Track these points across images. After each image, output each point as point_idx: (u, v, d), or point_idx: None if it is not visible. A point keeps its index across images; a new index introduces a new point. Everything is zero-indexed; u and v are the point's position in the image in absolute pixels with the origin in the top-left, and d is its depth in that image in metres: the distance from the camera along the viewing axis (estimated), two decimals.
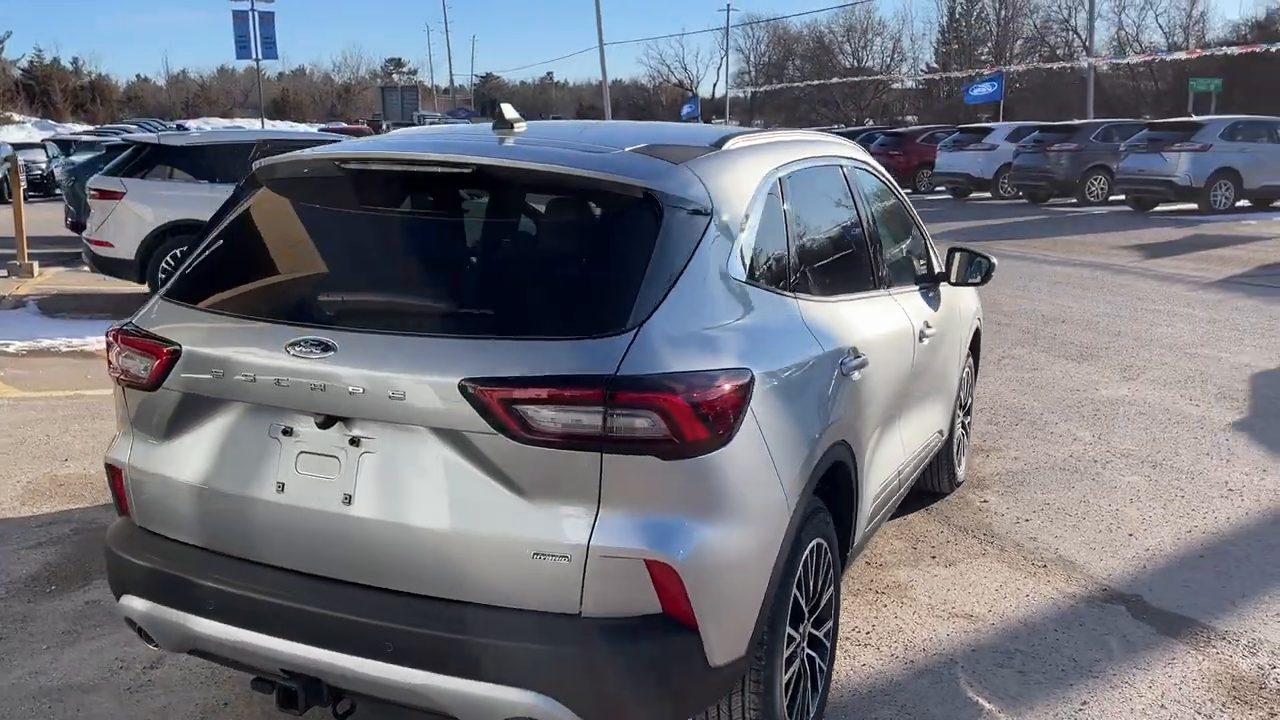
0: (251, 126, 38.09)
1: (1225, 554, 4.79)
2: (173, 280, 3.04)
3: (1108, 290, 12.20)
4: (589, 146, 3.01)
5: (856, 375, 3.34)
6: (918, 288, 4.52)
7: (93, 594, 4.26)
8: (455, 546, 2.51)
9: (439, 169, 2.81)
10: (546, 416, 2.41)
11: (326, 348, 2.58)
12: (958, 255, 4.79)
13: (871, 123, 57.41)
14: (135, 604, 2.89)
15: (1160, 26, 65.52)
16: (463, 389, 2.44)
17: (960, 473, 5.65)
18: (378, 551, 2.58)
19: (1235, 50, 34.24)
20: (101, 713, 3.40)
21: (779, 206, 3.22)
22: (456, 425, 2.47)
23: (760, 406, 2.66)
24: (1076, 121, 26.87)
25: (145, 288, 10.45)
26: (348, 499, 2.60)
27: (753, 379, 2.63)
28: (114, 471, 3.05)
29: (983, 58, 67.35)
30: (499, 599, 2.50)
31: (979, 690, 3.61)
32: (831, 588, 3.27)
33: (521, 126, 3.20)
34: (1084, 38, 58.77)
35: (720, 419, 2.51)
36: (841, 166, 3.98)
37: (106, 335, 3.05)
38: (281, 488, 2.67)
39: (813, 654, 3.17)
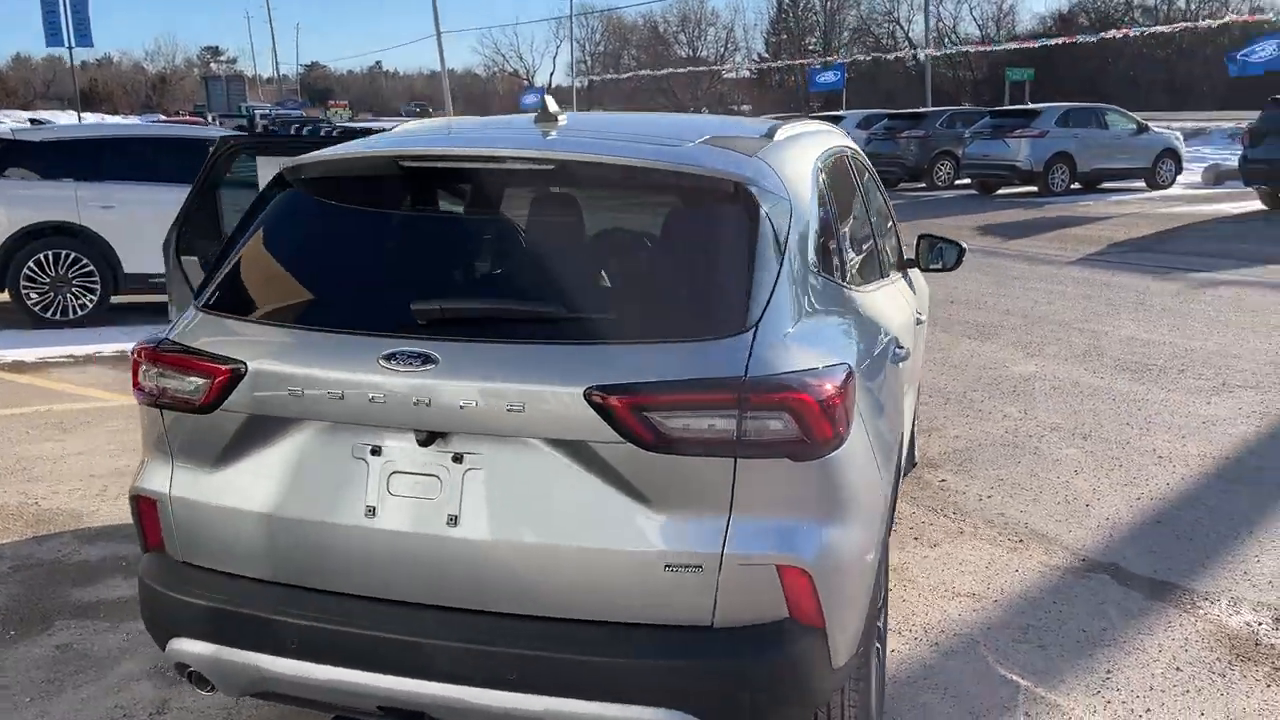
0: (92, 120, 35.76)
1: (1177, 519, 5.07)
2: (209, 291, 2.78)
3: (983, 270, 12.73)
4: (658, 139, 2.90)
5: (903, 365, 3.36)
6: (901, 274, 4.60)
7: (60, 637, 3.89)
8: (578, 564, 2.39)
9: (517, 165, 2.66)
10: (678, 423, 2.32)
11: (428, 359, 2.41)
12: (924, 241, 4.91)
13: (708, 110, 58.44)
14: (192, 648, 2.64)
15: (975, 19, 69.14)
16: (588, 397, 2.32)
17: (915, 454, 5.79)
18: (490, 574, 2.44)
19: (1056, 41, 36.39)
20: None
21: (826, 196, 3.20)
22: (580, 435, 2.35)
23: (860, 402, 2.64)
24: (923, 109, 27.96)
25: (5, 295, 9.65)
26: (453, 520, 2.44)
27: (853, 373, 2.61)
28: (146, 504, 2.78)
29: (811, 47, 69.56)
30: (627, 615, 2.40)
31: (1008, 667, 3.70)
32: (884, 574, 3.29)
33: (563, 119, 3.07)
34: (906, 29, 61.33)
35: (841, 416, 2.47)
36: (846, 155, 4.00)
37: (134, 353, 2.78)
38: (372, 512, 2.48)
39: (877, 644, 3.18)
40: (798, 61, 60.62)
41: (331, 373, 2.47)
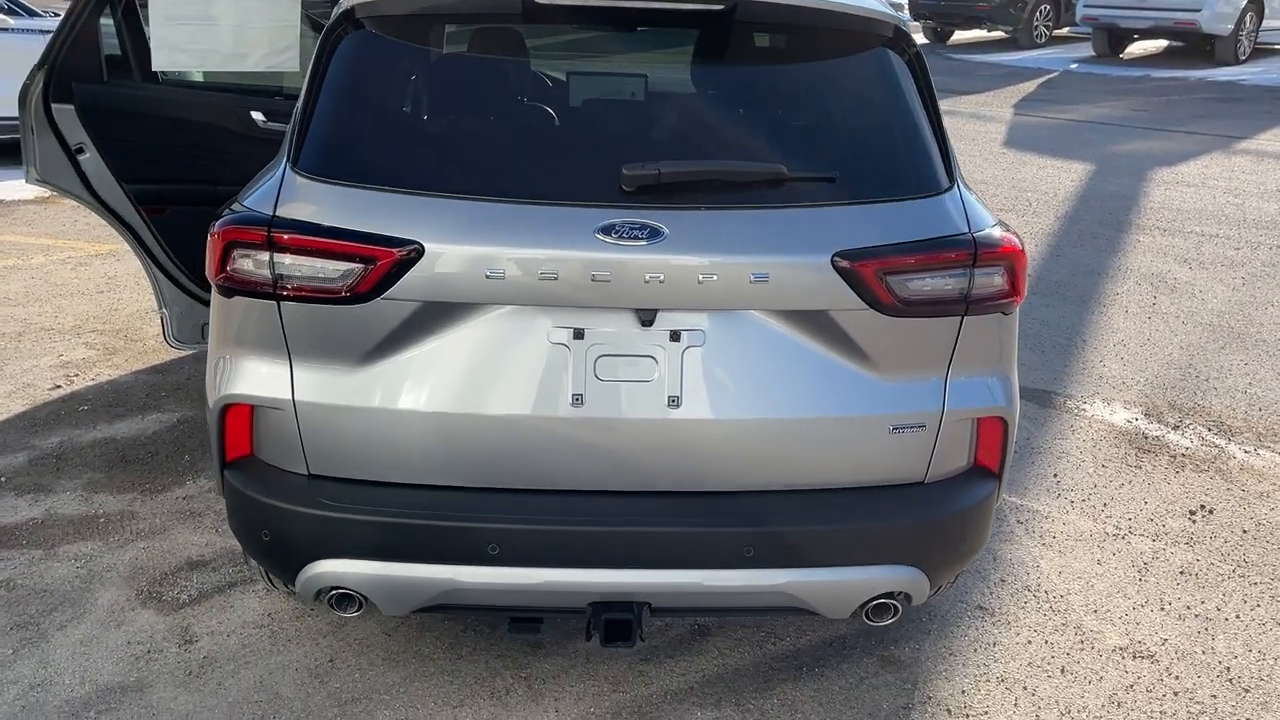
0: None
1: (1021, 332, 5.68)
2: (322, 155, 2.31)
3: None
4: None
5: None
6: None
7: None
8: (806, 435, 2.35)
9: (683, 4, 2.38)
10: (918, 285, 2.29)
11: (655, 232, 2.18)
12: None
13: None
14: (351, 568, 2.34)
15: None
16: (834, 264, 2.22)
17: None
18: (715, 454, 2.33)
19: None
20: (184, 709, 2.71)
21: None
22: (820, 305, 2.26)
23: None
24: None
25: None
26: (673, 401, 2.29)
27: None
28: (238, 412, 2.36)
29: None
30: (853, 480, 2.41)
31: None
32: None
33: None
34: None
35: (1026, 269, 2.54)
36: None
37: (217, 234, 2.28)
38: (579, 400, 2.27)
39: None
40: None
41: (544, 250, 2.18)
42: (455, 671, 2.86)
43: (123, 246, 6.43)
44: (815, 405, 2.33)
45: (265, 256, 2.23)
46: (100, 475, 3.86)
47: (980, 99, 13.40)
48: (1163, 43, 17.54)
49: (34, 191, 7.97)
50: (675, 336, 2.27)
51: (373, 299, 2.21)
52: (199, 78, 4.16)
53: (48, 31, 8.44)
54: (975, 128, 11.45)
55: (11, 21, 8.41)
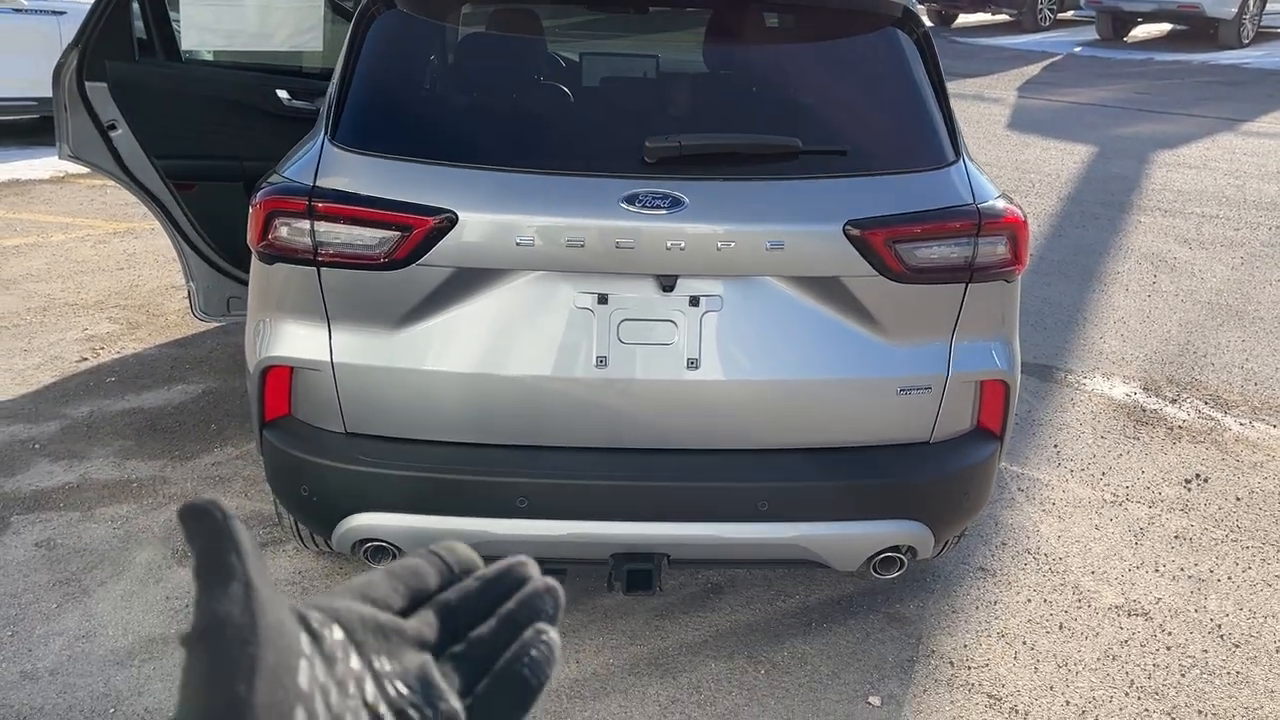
0: None
1: (1024, 308, 5.80)
2: (357, 127, 2.43)
3: None
4: None
5: None
6: None
7: (30, 534, 3.40)
8: (818, 396, 2.47)
9: None
10: (925, 253, 2.41)
11: (676, 201, 2.30)
12: None
13: None
14: (387, 521, 2.47)
15: None
16: (846, 232, 2.35)
17: None
18: (731, 413, 2.46)
19: None
20: None
21: None
22: (832, 271, 2.39)
23: None
24: None
25: None
26: (692, 364, 2.41)
27: None
28: (278, 374, 2.48)
29: None
30: (863, 439, 2.53)
31: None
32: None
33: None
34: None
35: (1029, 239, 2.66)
36: None
37: (259, 204, 2.40)
38: (603, 362, 2.40)
39: None
40: None
41: (571, 219, 2.30)
42: None
43: (140, 225, 6.57)
44: (826, 368, 2.46)
45: (305, 225, 2.35)
46: (131, 443, 3.99)
47: (984, 81, 13.47)
48: (1166, 26, 17.57)
49: (50, 171, 8.09)
50: (694, 301, 2.39)
51: (408, 265, 2.33)
52: (209, 58, 4.27)
53: (61, 13, 8.56)
54: (979, 110, 11.53)
55: (25, 2, 8.50)
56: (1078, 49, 16.49)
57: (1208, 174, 8.76)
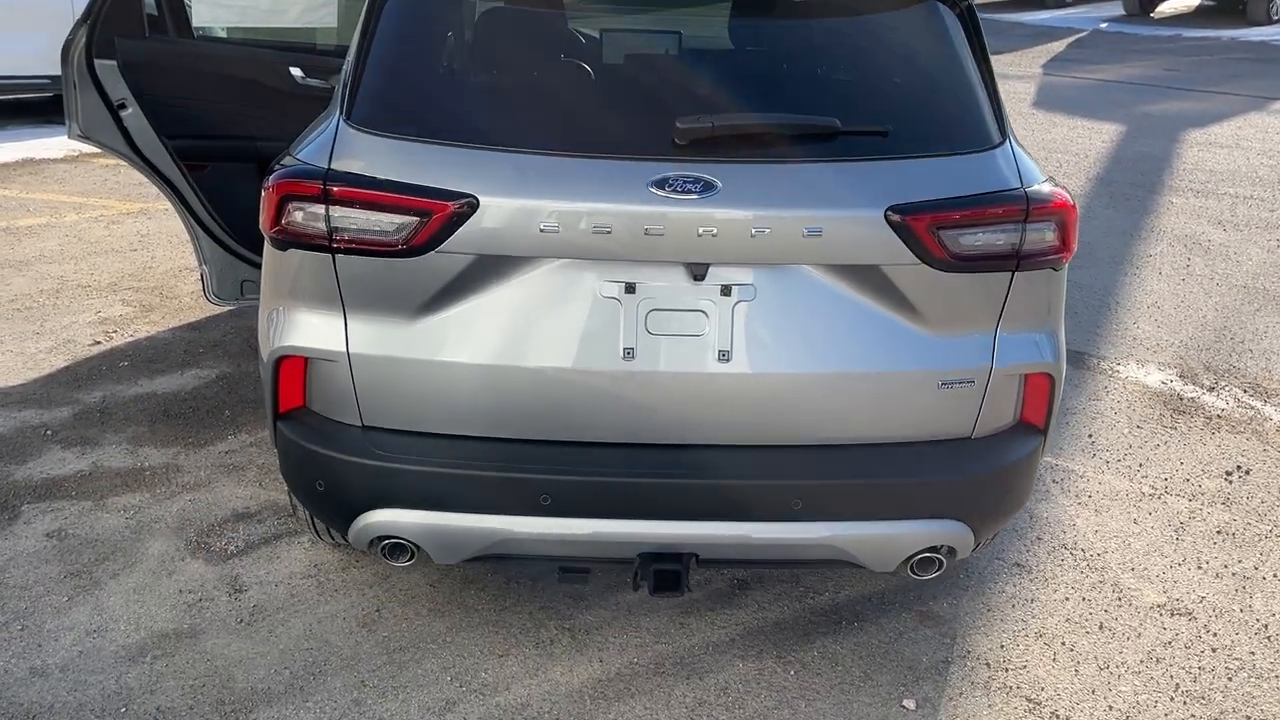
0: None
1: None
2: (374, 107, 2.31)
3: None
4: None
5: None
6: None
7: (41, 524, 3.33)
8: (856, 389, 2.36)
9: None
10: (970, 239, 2.29)
11: (708, 186, 2.19)
12: None
13: None
14: (404, 518, 2.38)
15: None
16: (888, 218, 2.23)
17: None
18: (764, 408, 2.35)
19: None
20: (237, 655, 2.77)
21: None
22: (872, 259, 2.27)
23: None
24: None
25: None
26: (724, 356, 2.30)
27: None
28: (292, 365, 2.39)
29: None
30: (901, 435, 2.42)
31: None
32: None
33: None
34: None
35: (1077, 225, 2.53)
36: None
37: (272, 188, 2.30)
38: (630, 354, 2.29)
39: None
40: None
41: (597, 204, 2.19)
42: (500, 622, 2.91)
43: (154, 205, 6.49)
44: (864, 360, 2.34)
45: (320, 209, 2.25)
46: (144, 429, 3.91)
47: (1009, 58, 13.25)
48: (1194, 2, 17.28)
49: (64, 150, 8.01)
50: (726, 291, 2.28)
51: (428, 252, 2.23)
52: (222, 34, 4.17)
53: None
54: (1004, 87, 11.28)
55: None
56: (1104, 25, 16.23)
57: (1240, 153, 8.57)
